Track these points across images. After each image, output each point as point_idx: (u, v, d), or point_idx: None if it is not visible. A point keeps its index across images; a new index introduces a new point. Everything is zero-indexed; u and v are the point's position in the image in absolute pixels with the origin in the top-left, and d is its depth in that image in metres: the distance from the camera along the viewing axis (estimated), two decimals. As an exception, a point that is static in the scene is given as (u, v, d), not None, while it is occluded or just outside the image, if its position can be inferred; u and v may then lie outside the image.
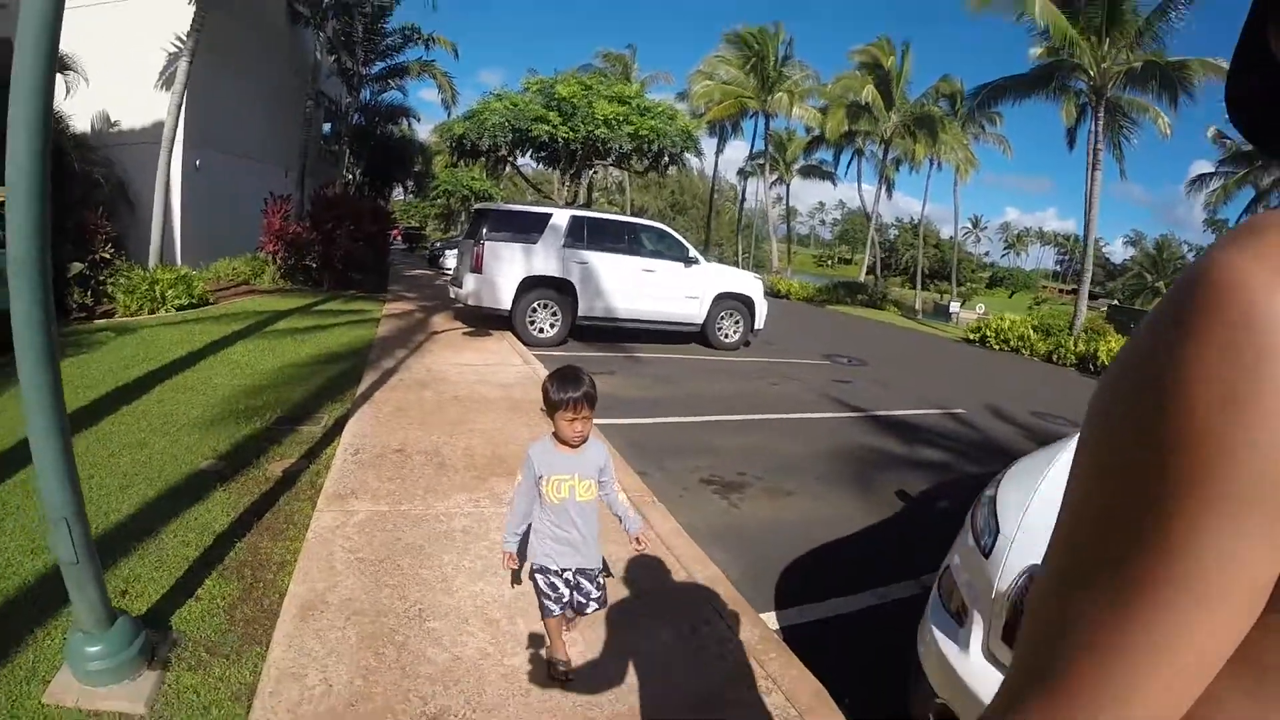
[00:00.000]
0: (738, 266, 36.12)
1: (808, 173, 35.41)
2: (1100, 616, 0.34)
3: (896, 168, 36.80)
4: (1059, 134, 22.19)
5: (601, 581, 2.23)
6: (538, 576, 2.16)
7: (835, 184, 36.08)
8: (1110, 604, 0.34)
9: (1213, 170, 28.93)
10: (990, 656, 1.68)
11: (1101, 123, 21.84)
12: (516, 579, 2.53)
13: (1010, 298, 55.32)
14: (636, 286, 8.98)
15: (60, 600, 2.20)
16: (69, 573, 1.97)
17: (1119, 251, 58.70)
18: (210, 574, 2.62)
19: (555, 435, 2.11)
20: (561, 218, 8.81)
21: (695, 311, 9.43)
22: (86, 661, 2.00)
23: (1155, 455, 0.33)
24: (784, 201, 38.84)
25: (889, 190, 39.47)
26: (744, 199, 37.11)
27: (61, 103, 10.88)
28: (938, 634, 1.83)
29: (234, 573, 2.67)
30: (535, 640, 2.32)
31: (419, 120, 24.23)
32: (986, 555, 1.78)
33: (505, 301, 8.48)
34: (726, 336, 9.75)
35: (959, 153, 32.33)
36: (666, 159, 13.88)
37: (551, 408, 2.07)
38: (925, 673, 1.83)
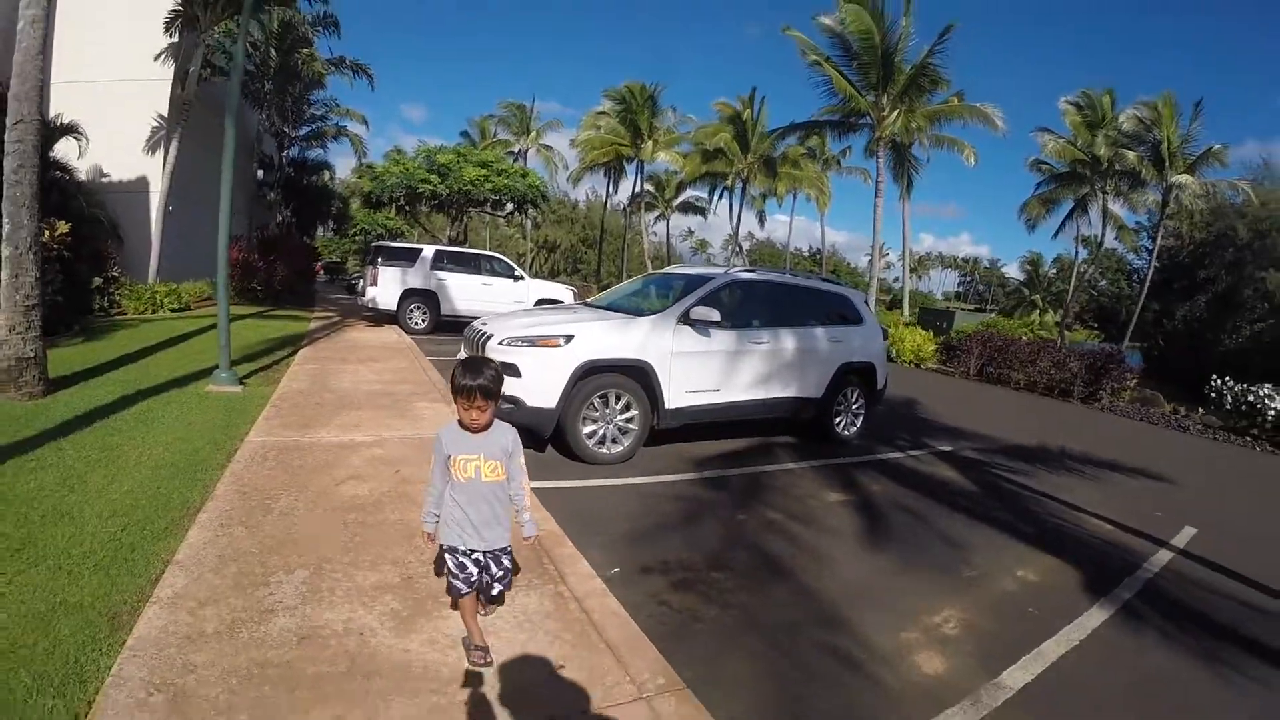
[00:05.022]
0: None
1: (685, 208, 41.50)
2: None
3: (764, 201, 43.74)
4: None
5: (507, 563, 2.32)
6: (447, 556, 2.28)
7: (706, 217, 42.11)
8: None
9: (1032, 194, 34.88)
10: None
11: (882, 159, 28.13)
12: (441, 563, 2.55)
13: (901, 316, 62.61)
14: (479, 294, 14.04)
15: (204, 374, 7.07)
16: (221, 346, 6.91)
17: (1016, 272, 66.88)
18: (253, 377, 7.57)
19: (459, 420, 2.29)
20: (429, 251, 13.86)
21: (521, 310, 14.58)
22: (221, 379, 6.92)
23: None
24: (669, 234, 45.03)
25: (760, 221, 46.41)
26: (627, 232, 42.78)
27: (73, 160, 15.07)
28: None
29: (261, 378, 7.62)
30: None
31: (334, 176, 29.14)
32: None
33: (392, 304, 13.40)
34: (545, 325, 14.96)
35: (813, 188, 38.94)
36: (526, 205, 19.13)
37: (453, 393, 2.23)
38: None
